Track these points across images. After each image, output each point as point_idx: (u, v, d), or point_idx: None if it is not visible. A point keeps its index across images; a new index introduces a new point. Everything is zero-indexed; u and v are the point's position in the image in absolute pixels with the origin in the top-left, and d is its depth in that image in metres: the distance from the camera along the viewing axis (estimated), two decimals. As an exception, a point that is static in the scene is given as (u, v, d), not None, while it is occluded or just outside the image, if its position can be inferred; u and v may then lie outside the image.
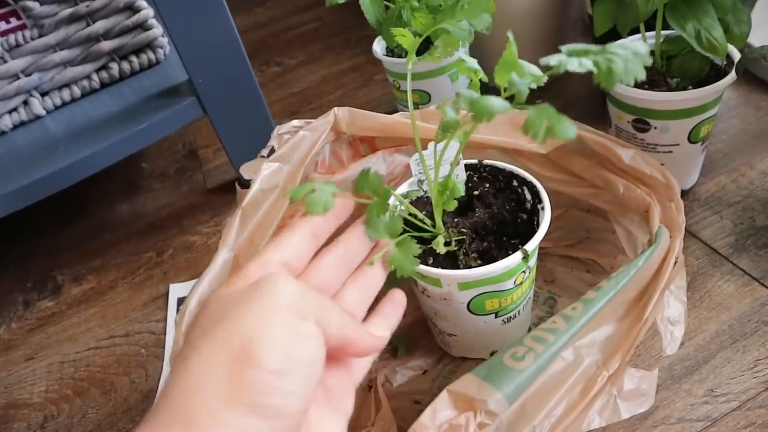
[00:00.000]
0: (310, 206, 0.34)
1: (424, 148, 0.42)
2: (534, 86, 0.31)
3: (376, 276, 0.37)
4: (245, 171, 0.51)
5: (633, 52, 0.28)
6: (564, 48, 0.30)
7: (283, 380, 0.26)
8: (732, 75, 0.51)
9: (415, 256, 0.38)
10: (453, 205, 0.41)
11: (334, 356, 0.32)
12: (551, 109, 0.29)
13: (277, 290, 0.28)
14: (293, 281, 0.29)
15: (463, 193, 0.40)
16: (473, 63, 0.36)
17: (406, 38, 0.39)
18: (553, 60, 0.28)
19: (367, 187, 0.38)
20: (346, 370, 0.34)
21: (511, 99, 0.32)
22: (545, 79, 0.31)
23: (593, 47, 0.29)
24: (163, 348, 0.61)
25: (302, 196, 0.34)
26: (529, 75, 0.31)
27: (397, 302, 0.38)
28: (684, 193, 0.61)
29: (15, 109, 0.75)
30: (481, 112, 0.30)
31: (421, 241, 0.43)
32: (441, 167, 0.40)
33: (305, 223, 0.35)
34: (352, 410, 0.33)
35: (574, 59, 0.28)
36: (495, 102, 0.30)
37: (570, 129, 0.29)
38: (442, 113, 0.33)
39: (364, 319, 0.36)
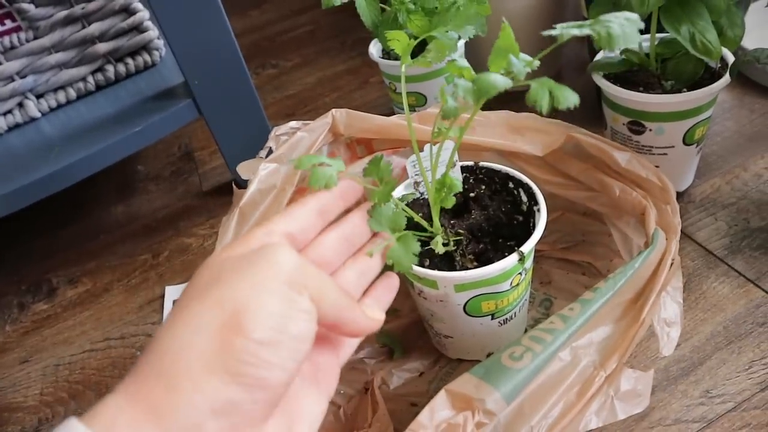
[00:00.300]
0: (313, 180, 0.34)
1: (421, 150, 0.42)
2: (529, 70, 0.32)
3: (375, 263, 0.37)
4: (242, 170, 0.51)
5: (626, 18, 0.29)
6: (558, 25, 0.30)
7: (270, 352, 0.25)
8: (726, 78, 0.51)
9: (414, 254, 0.38)
10: (451, 202, 0.41)
11: (325, 334, 0.32)
12: (551, 81, 0.30)
13: (276, 260, 0.28)
14: (294, 253, 0.29)
15: (461, 189, 0.40)
16: (463, 62, 0.36)
17: (399, 42, 0.40)
18: (555, 31, 0.29)
19: (375, 172, 0.38)
20: (334, 349, 0.34)
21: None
22: (537, 63, 0.32)
23: (586, 21, 0.30)
24: (159, 351, 0.61)
25: (308, 167, 0.34)
26: (523, 60, 0.32)
27: (391, 286, 0.38)
28: (679, 195, 0.61)
29: (10, 111, 0.75)
30: (485, 87, 0.30)
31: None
32: (438, 168, 0.40)
33: (314, 199, 0.35)
34: (334, 390, 0.33)
35: (573, 27, 0.29)
36: (497, 78, 0.31)
37: (572, 97, 0.30)
38: (442, 100, 0.33)
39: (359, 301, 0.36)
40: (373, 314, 0.34)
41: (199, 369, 0.24)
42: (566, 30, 0.29)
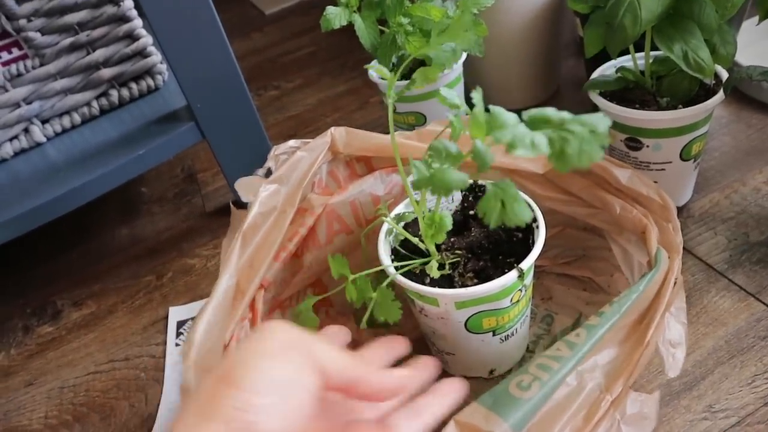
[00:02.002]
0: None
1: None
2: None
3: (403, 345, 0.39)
4: (240, 187, 0.51)
5: (590, 131, 0.27)
6: (525, 114, 0.30)
7: (259, 398, 0.27)
8: (720, 94, 0.52)
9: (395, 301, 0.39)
10: (442, 238, 0.41)
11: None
12: (510, 189, 0.29)
13: (272, 330, 0.30)
14: (293, 328, 0.30)
15: (451, 227, 0.41)
16: (452, 96, 0.36)
17: (386, 73, 0.41)
18: (506, 137, 0.28)
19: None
20: None
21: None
22: (491, 162, 0.31)
23: (554, 116, 0.29)
24: (163, 372, 0.61)
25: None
26: (500, 140, 0.30)
27: (428, 364, 0.37)
28: (678, 210, 0.61)
29: (16, 137, 0.76)
30: (438, 186, 0.31)
31: (417, 252, 0.44)
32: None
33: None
34: None
35: (527, 139, 0.28)
36: (453, 176, 0.31)
37: (525, 213, 0.29)
38: (413, 170, 0.34)
39: None
40: (396, 372, 0.33)
41: (194, 421, 0.26)
42: (517, 138, 0.28)
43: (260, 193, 0.48)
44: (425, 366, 0.36)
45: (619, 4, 0.48)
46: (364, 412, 0.35)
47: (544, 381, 0.35)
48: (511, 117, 0.31)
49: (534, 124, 0.29)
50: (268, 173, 0.50)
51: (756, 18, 0.50)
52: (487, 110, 0.32)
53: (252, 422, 0.26)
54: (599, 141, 0.27)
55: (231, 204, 0.52)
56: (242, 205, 0.49)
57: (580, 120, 0.28)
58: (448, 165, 0.33)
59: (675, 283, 0.40)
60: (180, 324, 0.66)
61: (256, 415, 0.26)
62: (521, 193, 0.33)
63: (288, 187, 0.49)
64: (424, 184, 0.34)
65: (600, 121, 0.28)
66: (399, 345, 0.39)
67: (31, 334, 0.71)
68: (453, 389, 0.35)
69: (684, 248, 0.57)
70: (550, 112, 0.29)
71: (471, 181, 0.49)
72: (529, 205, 0.45)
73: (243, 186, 0.51)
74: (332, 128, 0.52)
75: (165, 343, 0.64)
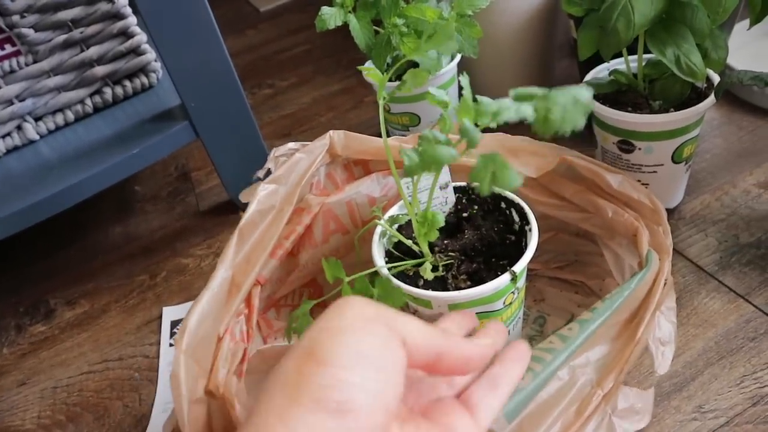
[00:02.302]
0: None
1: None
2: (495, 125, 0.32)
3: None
4: (245, 197, 0.52)
5: (574, 98, 0.28)
6: (512, 92, 0.30)
7: (348, 373, 0.25)
8: (711, 98, 0.52)
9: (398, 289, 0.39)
10: (434, 236, 0.41)
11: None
12: (499, 158, 0.30)
13: (350, 304, 0.28)
14: (370, 301, 0.29)
15: (443, 224, 0.41)
16: (441, 95, 0.37)
17: (377, 76, 0.41)
18: (492, 107, 0.29)
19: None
20: None
21: (495, 129, 0.33)
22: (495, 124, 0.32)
23: (539, 92, 0.29)
24: (157, 371, 0.61)
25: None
26: (487, 113, 0.31)
27: (500, 329, 0.35)
28: (670, 212, 0.62)
29: (9, 134, 0.76)
30: (429, 161, 0.31)
31: (411, 254, 0.44)
32: (424, 193, 0.41)
33: None
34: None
35: (512, 108, 0.29)
36: (442, 151, 0.31)
37: (515, 179, 0.30)
38: (404, 158, 0.34)
39: None
40: (480, 341, 0.32)
41: (283, 404, 0.24)
42: (503, 108, 0.29)
43: (259, 192, 0.48)
44: (498, 331, 0.34)
45: (613, 7, 0.48)
46: (441, 390, 0.33)
47: (537, 372, 0.36)
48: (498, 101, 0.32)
49: (520, 99, 0.30)
50: (268, 174, 0.51)
51: (748, 21, 0.50)
52: (475, 100, 0.33)
53: (343, 401, 0.24)
54: (582, 108, 0.28)
55: (233, 202, 0.52)
56: (242, 207, 0.49)
57: (563, 90, 0.29)
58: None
59: (665, 283, 0.41)
60: (174, 324, 0.66)
61: (349, 392, 0.24)
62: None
63: (286, 187, 0.49)
64: (415, 168, 0.34)
65: (582, 91, 0.29)
66: (469, 317, 0.37)
67: (23, 333, 0.71)
68: (522, 354, 0.33)
69: (675, 250, 0.58)
70: (535, 88, 0.30)
71: (464, 184, 0.49)
72: (522, 207, 0.45)
73: (247, 195, 0.51)
74: (331, 131, 0.52)
75: (159, 343, 0.64)
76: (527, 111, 0.29)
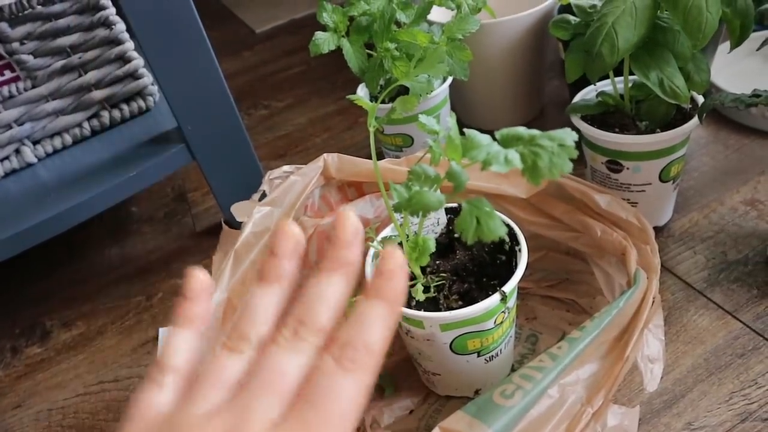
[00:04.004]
0: None
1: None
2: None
3: None
4: (236, 211, 0.53)
5: (559, 145, 0.29)
6: (498, 133, 0.31)
7: None
8: (695, 120, 0.54)
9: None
10: (425, 261, 0.42)
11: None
12: (483, 206, 0.31)
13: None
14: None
15: (434, 250, 0.42)
16: (431, 123, 0.38)
17: (366, 104, 0.42)
18: (480, 155, 0.30)
19: None
20: None
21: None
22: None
23: (524, 133, 0.30)
24: (152, 393, 0.61)
25: None
26: (476, 159, 0.31)
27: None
28: (658, 230, 0.63)
29: (7, 158, 0.77)
30: (416, 207, 0.32)
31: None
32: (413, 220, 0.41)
33: None
34: None
35: (501, 156, 0.30)
36: (431, 197, 0.32)
37: (499, 228, 0.31)
38: (394, 194, 0.35)
39: None
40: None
41: None
42: (492, 156, 0.30)
43: (254, 215, 0.49)
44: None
45: (598, 33, 0.50)
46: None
47: (527, 390, 0.36)
48: (484, 138, 0.33)
49: (506, 142, 0.31)
50: (263, 197, 0.52)
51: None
52: (462, 134, 0.34)
53: None
54: (568, 154, 0.29)
55: (222, 222, 0.53)
56: (235, 226, 0.50)
57: (549, 135, 0.30)
58: (426, 187, 0.35)
59: (653, 301, 0.42)
60: (170, 344, 0.66)
61: None
62: (496, 212, 0.34)
63: (281, 209, 0.50)
64: (404, 206, 0.35)
65: (567, 136, 0.30)
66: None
67: (19, 355, 0.71)
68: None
69: (664, 267, 0.59)
70: (521, 130, 0.31)
71: (456, 205, 0.50)
72: (512, 228, 0.46)
73: (238, 209, 0.52)
74: (325, 154, 0.53)
75: (155, 363, 0.64)
76: (516, 161, 0.30)
